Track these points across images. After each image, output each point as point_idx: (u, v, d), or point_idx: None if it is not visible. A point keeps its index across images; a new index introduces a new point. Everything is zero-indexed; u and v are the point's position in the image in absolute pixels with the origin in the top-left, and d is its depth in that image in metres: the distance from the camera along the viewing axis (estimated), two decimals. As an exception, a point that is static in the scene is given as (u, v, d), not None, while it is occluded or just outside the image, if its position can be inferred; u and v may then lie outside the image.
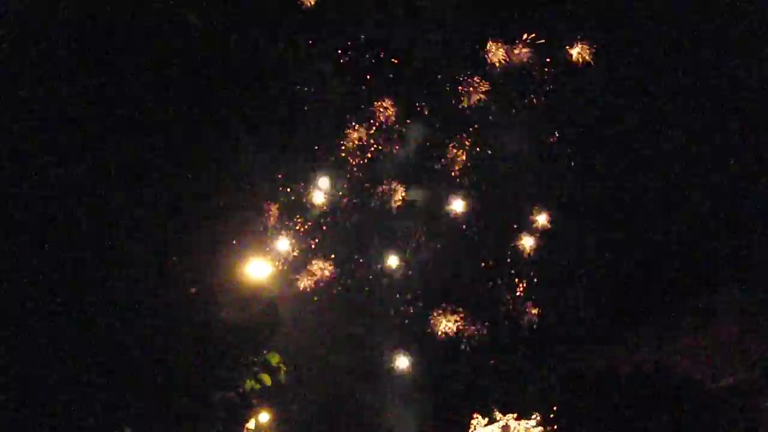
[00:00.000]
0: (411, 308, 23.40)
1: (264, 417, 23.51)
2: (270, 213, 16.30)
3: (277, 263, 16.32)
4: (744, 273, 19.25)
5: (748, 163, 19.99)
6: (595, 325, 22.28)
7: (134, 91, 9.55)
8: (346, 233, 19.99)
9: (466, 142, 20.20)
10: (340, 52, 14.28)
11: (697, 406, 17.69)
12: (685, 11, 19.05)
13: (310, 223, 18.69)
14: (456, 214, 21.32)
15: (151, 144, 10.80)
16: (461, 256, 21.88)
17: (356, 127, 17.68)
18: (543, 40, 18.61)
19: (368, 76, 17.05)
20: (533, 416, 22.34)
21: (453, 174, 20.54)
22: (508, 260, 22.26)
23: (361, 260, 21.25)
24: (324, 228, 19.19)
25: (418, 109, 19.14)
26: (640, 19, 19.51)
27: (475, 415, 26.62)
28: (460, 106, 19.26)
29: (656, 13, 19.42)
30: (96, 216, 10.56)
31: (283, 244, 17.89)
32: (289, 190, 17.63)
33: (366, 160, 18.75)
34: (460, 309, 22.12)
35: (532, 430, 22.72)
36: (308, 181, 17.16)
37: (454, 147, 20.22)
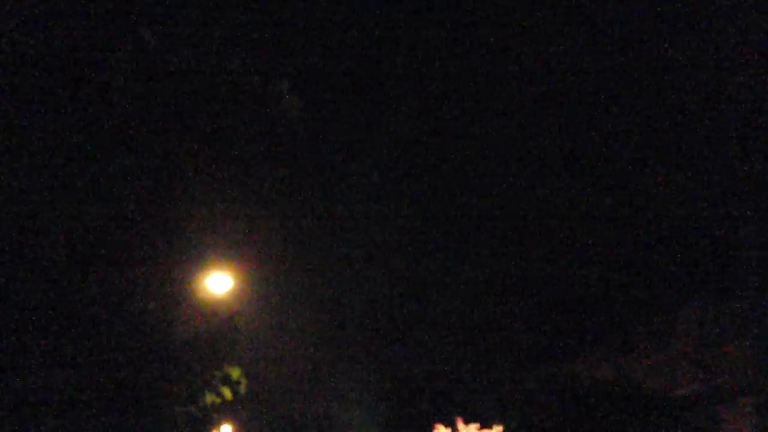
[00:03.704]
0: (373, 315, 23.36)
1: (226, 430, 23.35)
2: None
3: (237, 276, 16.17)
4: (702, 287, 19.47)
5: (708, 179, 20.21)
6: (557, 339, 22.42)
7: (93, 106, 9.45)
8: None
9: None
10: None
11: (654, 417, 17.86)
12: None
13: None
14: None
15: (109, 156, 10.67)
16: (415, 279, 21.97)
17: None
18: None
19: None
20: (494, 428, 22.37)
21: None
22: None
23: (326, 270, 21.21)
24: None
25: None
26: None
27: (437, 426, 26.64)
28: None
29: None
30: (52, 230, 10.41)
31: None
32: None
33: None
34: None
35: (493, 441, 22.74)
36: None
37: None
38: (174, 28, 9.06)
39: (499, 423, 21.71)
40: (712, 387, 18.09)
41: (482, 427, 24.03)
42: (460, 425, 24.85)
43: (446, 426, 25.58)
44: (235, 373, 16.61)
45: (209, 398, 15.97)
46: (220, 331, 14.96)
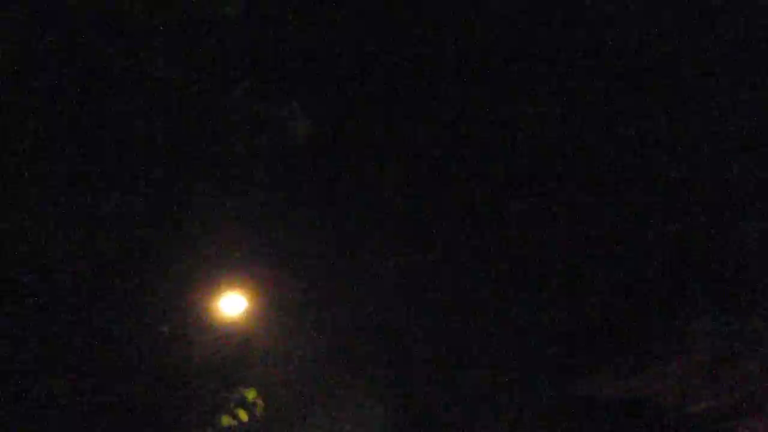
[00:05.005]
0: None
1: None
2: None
3: (251, 297, 16.32)
4: (718, 300, 19.42)
5: (720, 192, 20.12)
6: (569, 357, 22.34)
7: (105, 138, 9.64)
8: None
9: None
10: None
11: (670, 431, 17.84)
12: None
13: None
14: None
15: (121, 182, 10.84)
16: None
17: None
18: None
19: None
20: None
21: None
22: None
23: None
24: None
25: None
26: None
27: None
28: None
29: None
30: (67, 258, 10.55)
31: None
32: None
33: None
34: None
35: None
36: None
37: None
38: (180, 55, 9.25)
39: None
40: (727, 403, 18.02)
41: (498, 445, 23.84)
42: (476, 444, 24.68)
43: (462, 445, 25.41)
44: (251, 394, 16.66)
45: (225, 421, 16.04)
46: (234, 352, 15.05)
